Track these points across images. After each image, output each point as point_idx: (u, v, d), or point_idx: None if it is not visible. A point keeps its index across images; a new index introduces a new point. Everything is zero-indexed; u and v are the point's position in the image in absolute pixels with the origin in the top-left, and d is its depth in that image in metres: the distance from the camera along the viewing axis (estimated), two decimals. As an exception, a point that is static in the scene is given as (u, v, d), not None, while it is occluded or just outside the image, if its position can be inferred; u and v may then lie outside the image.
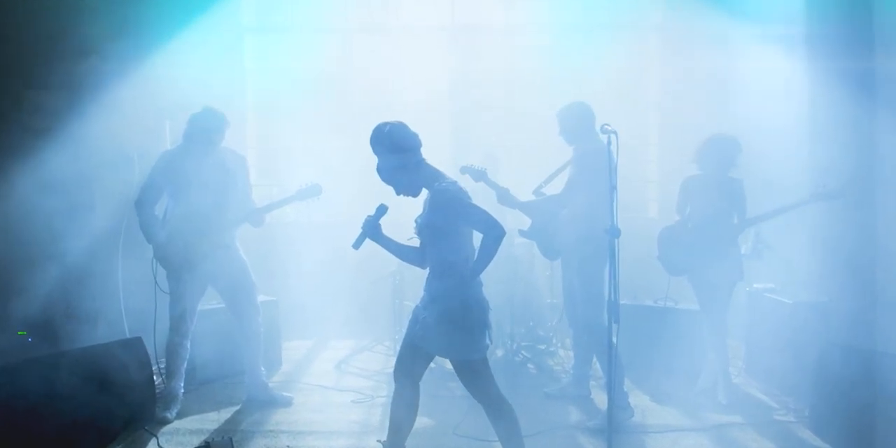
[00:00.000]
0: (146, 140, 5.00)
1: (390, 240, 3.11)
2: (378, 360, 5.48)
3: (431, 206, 2.95)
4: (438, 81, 6.72)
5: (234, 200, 4.24)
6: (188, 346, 4.32)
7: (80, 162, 4.75)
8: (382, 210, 3.06)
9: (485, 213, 2.89)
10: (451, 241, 2.93)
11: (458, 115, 6.75)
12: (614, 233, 3.11)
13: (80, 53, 4.78)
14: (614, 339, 3.28)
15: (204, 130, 4.12)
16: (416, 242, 3.13)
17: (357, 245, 3.07)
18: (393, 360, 3.17)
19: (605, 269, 4.12)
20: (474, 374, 2.96)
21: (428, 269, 3.05)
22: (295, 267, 5.88)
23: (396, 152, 2.90)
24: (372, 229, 3.05)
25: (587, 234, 4.13)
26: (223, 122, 4.16)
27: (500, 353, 5.29)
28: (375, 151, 2.94)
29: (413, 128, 2.99)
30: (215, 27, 5.50)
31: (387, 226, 3.09)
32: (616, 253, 3.09)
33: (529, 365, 5.27)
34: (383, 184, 2.99)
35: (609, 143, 3.11)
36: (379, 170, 2.95)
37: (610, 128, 3.16)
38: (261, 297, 4.78)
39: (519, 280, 5.39)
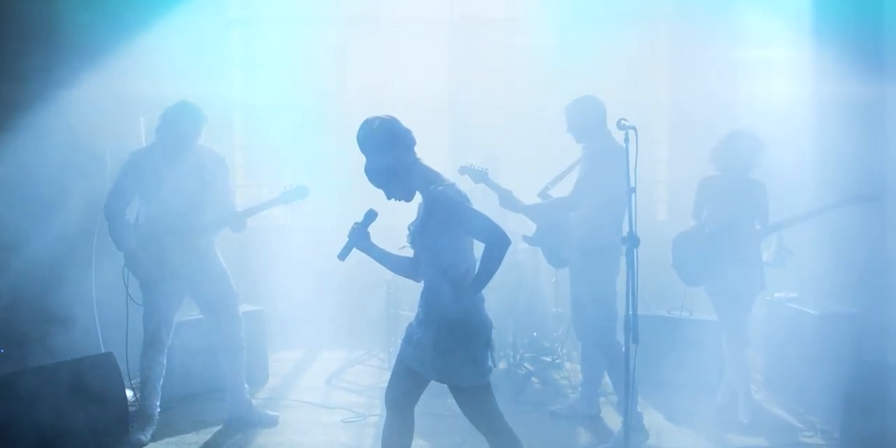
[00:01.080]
0: (119, 138, 4.66)
1: (380, 250, 2.78)
2: (371, 374, 5.17)
3: (427, 212, 2.62)
4: (436, 77, 6.44)
5: (211, 203, 3.91)
6: (164, 361, 3.98)
7: (49, 160, 4.42)
8: (371, 216, 2.73)
9: (487, 219, 2.55)
10: (449, 250, 2.61)
11: (457, 112, 6.44)
12: (633, 241, 2.77)
13: (48, 44, 4.45)
14: (631, 360, 2.92)
15: (177, 126, 3.78)
16: (409, 252, 2.81)
17: (343, 255, 2.74)
18: (387, 374, 2.88)
19: (616, 274, 3.83)
20: (475, 401, 2.64)
21: (423, 282, 2.72)
22: (282, 274, 5.55)
23: (387, 151, 2.57)
24: (359, 238, 2.72)
25: (597, 238, 3.84)
26: (199, 117, 3.81)
27: (502, 365, 4.97)
28: (363, 150, 2.61)
29: (407, 124, 2.67)
30: (198, 18, 5.16)
31: (377, 233, 2.75)
32: (635, 264, 2.74)
33: (533, 378, 4.96)
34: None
35: (626, 139, 2.78)
36: (367, 171, 2.62)
37: (627, 123, 2.84)
38: (246, 307, 4.52)
39: (523, 287, 5.08)
